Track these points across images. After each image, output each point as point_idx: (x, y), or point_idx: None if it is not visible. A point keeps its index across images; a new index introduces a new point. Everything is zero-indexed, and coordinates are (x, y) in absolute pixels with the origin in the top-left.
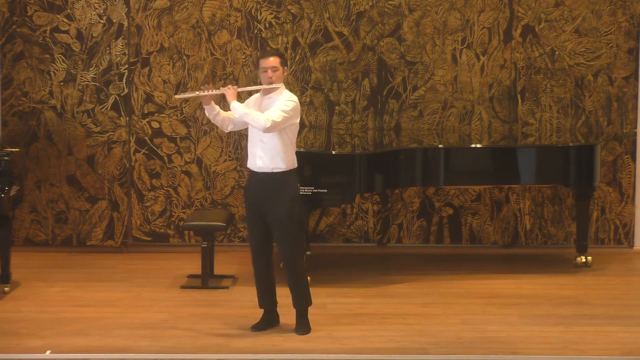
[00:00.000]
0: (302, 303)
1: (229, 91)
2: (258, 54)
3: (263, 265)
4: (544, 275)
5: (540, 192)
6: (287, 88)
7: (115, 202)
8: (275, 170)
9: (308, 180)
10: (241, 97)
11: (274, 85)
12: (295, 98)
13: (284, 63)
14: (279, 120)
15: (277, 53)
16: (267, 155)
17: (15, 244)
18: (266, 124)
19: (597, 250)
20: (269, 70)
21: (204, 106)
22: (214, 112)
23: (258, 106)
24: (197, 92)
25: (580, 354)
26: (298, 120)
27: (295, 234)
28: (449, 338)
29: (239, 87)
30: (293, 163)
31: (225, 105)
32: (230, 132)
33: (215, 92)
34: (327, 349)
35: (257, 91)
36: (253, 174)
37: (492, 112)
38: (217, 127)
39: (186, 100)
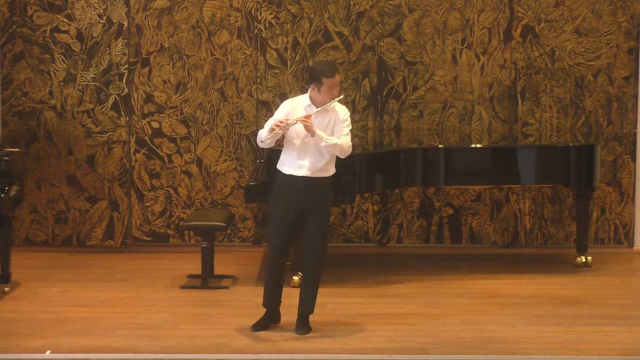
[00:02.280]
0: (310, 308)
1: (309, 122)
2: (310, 65)
3: (281, 265)
4: (544, 275)
5: (540, 192)
6: (287, 89)
7: (115, 202)
8: (324, 176)
9: None
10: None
11: (336, 100)
12: (348, 111)
13: None
14: (351, 142)
15: (338, 68)
16: (321, 164)
17: (15, 244)
18: (349, 151)
19: (597, 250)
20: (334, 88)
21: (271, 136)
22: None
23: (311, 118)
24: (285, 126)
25: (580, 354)
26: None
27: (326, 238)
28: (449, 338)
29: (311, 113)
30: (334, 169)
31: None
32: (229, 132)
33: (294, 123)
34: (327, 349)
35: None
36: (295, 178)
37: (492, 112)
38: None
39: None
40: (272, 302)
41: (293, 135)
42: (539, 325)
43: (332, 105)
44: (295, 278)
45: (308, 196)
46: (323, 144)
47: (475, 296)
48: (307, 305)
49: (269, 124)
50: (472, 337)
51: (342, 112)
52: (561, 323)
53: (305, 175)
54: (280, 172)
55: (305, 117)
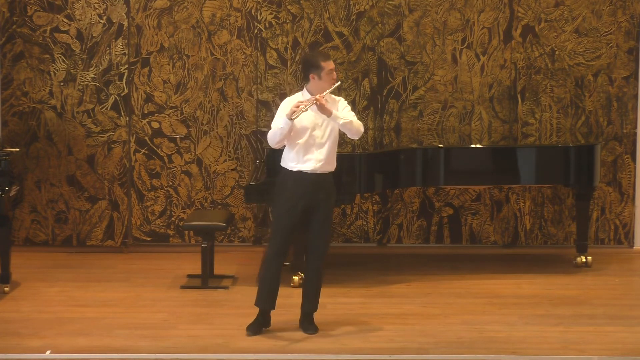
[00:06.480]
0: (315, 306)
1: (323, 100)
2: (306, 52)
3: (281, 264)
4: (544, 275)
5: (540, 192)
6: (287, 89)
7: (115, 202)
8: (329, 170)
9: None
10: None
11: (338, 84)
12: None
13: None
14: None
15: None
16: (327, 158)
17: (15, 244)
18: (362, 130)
19: (597, 250)
20: (334, 72)
21: (293, 119)
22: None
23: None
24: (304, 107)
25: (580, 354)
26: None
27: (330, 235)
28: (449, 338)
29: (322, 95)
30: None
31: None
32: (229, 132)
33: (311, 104)
34: (327, 349)
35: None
36: (303, 174)
37: (492, 112)
38: (271, 139)
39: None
40: (269, 303)
41: (297, 133)
42: (539, 325)
43: (335, 87)
44: (295, 278)
45: (316, 192)
46: (340, 122)
47: (475, 296)
48: (313, 303)
49: (277, 123)
50: (472, 337)
51: (341, 101)
52: (561, 323)
53: (313, 171)
54: (286, 169)
55: (320, 97)
